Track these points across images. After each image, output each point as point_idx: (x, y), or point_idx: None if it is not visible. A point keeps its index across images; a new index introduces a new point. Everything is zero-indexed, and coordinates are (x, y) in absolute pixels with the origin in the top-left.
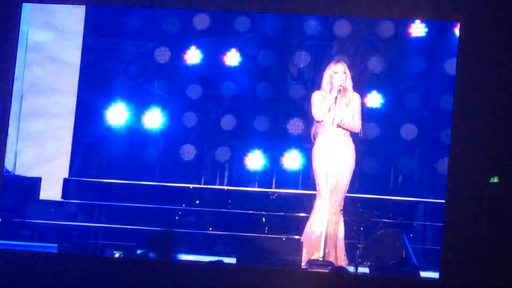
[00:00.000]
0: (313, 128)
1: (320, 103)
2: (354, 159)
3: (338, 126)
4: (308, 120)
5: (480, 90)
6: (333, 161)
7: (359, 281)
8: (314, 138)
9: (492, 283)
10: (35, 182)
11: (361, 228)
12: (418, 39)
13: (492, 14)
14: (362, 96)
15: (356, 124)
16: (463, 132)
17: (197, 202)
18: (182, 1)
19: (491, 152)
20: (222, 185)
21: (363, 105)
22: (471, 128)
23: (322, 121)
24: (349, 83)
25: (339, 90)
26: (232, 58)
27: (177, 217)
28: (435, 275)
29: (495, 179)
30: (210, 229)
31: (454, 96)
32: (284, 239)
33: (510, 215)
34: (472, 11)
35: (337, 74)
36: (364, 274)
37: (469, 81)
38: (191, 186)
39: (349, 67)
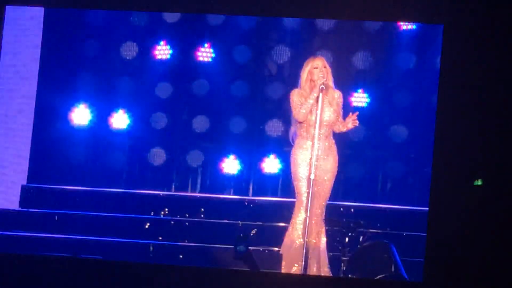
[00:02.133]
0: (292, 129)
1: (301, 102)
2: (337, 163)
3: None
4: (288, 121)
5: (463, 92)
6: (314, 166)
7: (342, 285)
8: (293, 140)
9: (476, 286)
10: None
11: (346, 239)
12: (407, 32)
13: (475, 17)
14: (347, 95)
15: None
16: (446, 134)
17: (167, 210)
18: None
19: (475, 155)
20: (194, 192)
21: (347, 105)
22: (454, 130)
23: (303, 122)
24: (330, 79)
25: (321, 89)
26: (205, 53)
27: (145, 227)
28: None
29: (479, 182)
30: (186, 241)
31: (437, 99)
32: (261, 250)
33: (494, 218)
34: (455, 14)
35: (316, 69)
36: (346, 277)
37: (452, 84)
38: (161, 193)
39: (332, 64)
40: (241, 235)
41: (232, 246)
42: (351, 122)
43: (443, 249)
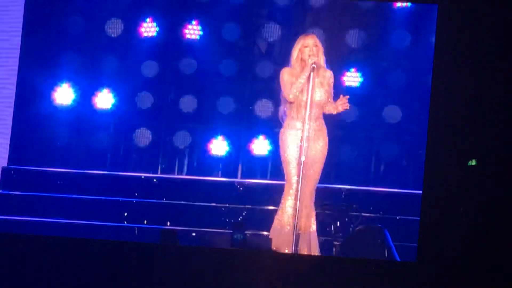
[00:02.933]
0: (282, 109)
1: (291, 82)
2: (327, 144)
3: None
4: (278, 101)
5: (458, 72)
6: (304, 147)
7: (334, 264)
8: (283, 121)
9: (469, 265)
10: None
11: (338, 223)
12: (402, 9)
13: None
14: (339, 74)
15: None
16: (440, 116)
17: (153, 193)
18: None
19: (469, 136)
20: (181, 174)
21: (339, 84)
22: (449, 112)
23: (293, 102)
24: (321, 58)
25: (313, 68)
26: (193, 31)
27: (128, 211)
28: None
29: (473, 162)
30: (168, 223)
31: (431, 80)
32: (248, 234)
33: (488, 198)
34: None
35: (307, 48)
36: (339, 257)
37: (447, 64)
38: (146, 175)
39: (324, 42)
40: (238, 222)
41: (220, 231)
42: (341, 105)
43: (437, 229)
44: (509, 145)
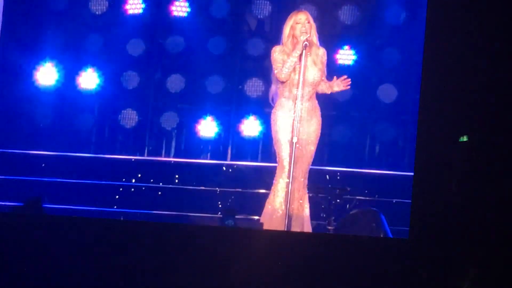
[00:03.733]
0: (273, 89)
1: (283, 60)
2: (321, 125)
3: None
4: (269, 80)
5: (449, 47)
6: (296, 128)
7: (327, 241)
8: (274, 101)
9: (462, 242)
10: None
11: (331, 207)
12: None
13: None
14: (332, 52)
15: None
16: (432, 94)
17: (140, 176)
18: None
19: (461, 116)
20: (168, 156)
21: (333, 62)
22: (440, 90)
23: (285, 81)
24: (314, 35)
25: (305, 46)
26: (180, 7)
27: (117, 196)
28: None
29: (465, 138)
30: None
31: (423, 58)
32: (241, 218)
33: (480, 175)
34: None
35: (299, 24)
36: (332, 233)
37: (438, 42)
38: (133, 158)
39: (316, 18)
40: (228, 208)
41: (210, 215)
42: (337, 84)
43: (429, 206)
44: (501, 123)
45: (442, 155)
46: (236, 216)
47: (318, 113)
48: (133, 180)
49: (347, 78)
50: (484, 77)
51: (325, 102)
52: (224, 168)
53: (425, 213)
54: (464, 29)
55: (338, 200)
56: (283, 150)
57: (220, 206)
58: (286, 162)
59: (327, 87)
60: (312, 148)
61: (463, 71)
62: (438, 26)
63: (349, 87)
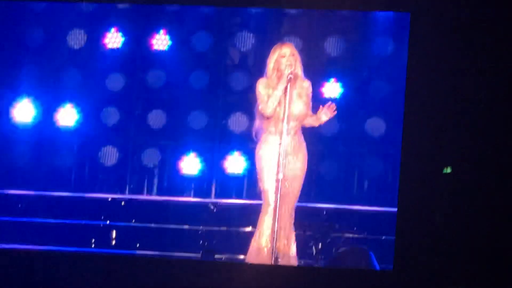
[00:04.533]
0: (257, 123)
1: (268, 94)
2: (307, 160)
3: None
4: (254, 115)
5: (431, 81)
6: (282, 164)
7: (313, 273)
8: (257, 136)
9: (445, 274)
10: None
11: (319, 245)
12: (384, 15)
13: (442, 5)
14: (318, 85)
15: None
16: (415, 124)
17: (122, 215)
18: None
19: (443, 144)
20: (150, 194)
21: (319, 95)
22: (422, 120)
23: (271, 116)
24: (299, 68)
25: (290, 79)
26: (161, 41)
27: (95, 235)
28: None
29: (448, 170)
30: (138, 245)
31: (405, 90)
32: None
33: (464, 206)
34: (422, 2)
35: (284, 58)
36: (317, 267)
37: (420, 72)
38: (113, 196)
39: (301, 50)
40: (206, 248)
41: (191, 255)
42: (325, 114)
43: (413, 235)
44: (484, 153)
45: (426, 187)
46: (216, 256)
47: (304, 148)
48: (108, 222)
49: (332, 103)
50: (465, 109)
51: (312, 136)
52: (208, 206)
53: (409, 244)
54: (446, 62)
55: (326, 238)
56: (269, 187)
57: (205, 245)
58: (271, 200)
59: (314, 120)
60: (298, 184)
61: (445, 104)
62: (419, 60)
63: (335, 112)
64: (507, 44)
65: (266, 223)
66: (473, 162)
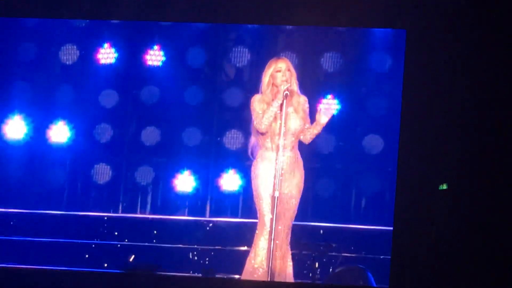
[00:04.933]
0: (252, 140)
1: (263, 110)
2: (303, 177)
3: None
4: (249, 131)
5: (426, 97)
6: (278, 181)
7: None
8: (253, 153)
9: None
10: None
11: (316, 265)
12: (381, 31)
13: (437, 22)
14: (315, 101)
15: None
16: (411, 140)
17: (116, 234)
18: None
19: (439, 160)
20: (144, 213)
21: (316, 112)
22: (419, 135)
23: (266, 133)
24: (295, 84)
25: (286, 95)
26: (155, 56)
27: (88, 254)
28: None
29: (444, 186)
30: (131, 258)
31: (401, 104)
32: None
33: (459, 223)
34: (418, 20)
35: (279, 73)
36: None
37: (416, 89)
38: (107, 215)
39: (297, 66)
40: (204, 267)
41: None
42: (324, 113)
43: (409, 252)
44: (480, 170)
45: (422, 205)
46: (216, 276)
47: (300, 165)
48: (108, 239)
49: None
50: (462, 126)
51: (308, 154)
52: (203, 225)
53: (405, 262)
54: (442, 79)
55: (323, 258)
56: (265, 205)
57: (200, 264)
58: (267, 218)
59: (314, 126)
60: (295, 203)
61: (441, 120)
62: (415, 77)
63: (335, 109)
64: (503, 61)
65: (262, 242)
66: (469, 179)
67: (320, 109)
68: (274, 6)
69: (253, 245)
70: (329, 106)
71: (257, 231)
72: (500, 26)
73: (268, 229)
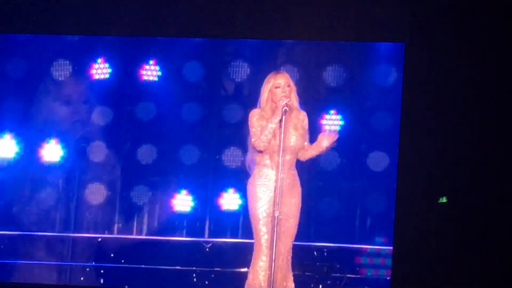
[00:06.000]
0: (249, 156)
1: (261, 127)
2: (301, 195)
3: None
4: (247, 147)
5: (425, 109)
6: (277, 199)
7: None
8: (251, 169)
9: None
10: None
11: (320, 286)
12: (385, 44)
13: (435, 35)
14: (317, 116)
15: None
16: (410, 152)
17: (112, 255)
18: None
19: (438, 172)
20: (140, 234)
21: (317, 128)
22: (418, 147)
23: (264, 151)
24: (294, 99)
25: (285, 111)
26: (150, 71)
27: (82, 278)
28: None
29: (444, 199)
30: (126, 287)
31: (400, 116)
32: None
33: (459, 234)
34: (416, 33)
35: (279, 88)
36: None
37: (414, 101)
38: (101, 236)
39: (298, 81)
40: None
41: None
42: (327, 138)
43: (410, 263)
44: (476, 183)
45: (421, 223)
46: None
47: (298, 183)
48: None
49: (333, 132)
50: (461, 139)
51: (311, 172)
52: (201, 246)
53: (405, 272)
54: (441, 92)
55: (326, 279)
56: (262, 226)
57: (199, 286)
58: (264, 239)
59: (313, 148)
60: (294, 222)
61: (441, 133)
62: (414, 88)
63: (336, 137)
64: (501, 73)
65: (260, 264)
66: (469, 193)
67: (326, 130)
68: (274, 21)
69: (250, 268)
70: (335, 133)
71: (254, 253)
72: (498, 39)
73: (266, 250)
